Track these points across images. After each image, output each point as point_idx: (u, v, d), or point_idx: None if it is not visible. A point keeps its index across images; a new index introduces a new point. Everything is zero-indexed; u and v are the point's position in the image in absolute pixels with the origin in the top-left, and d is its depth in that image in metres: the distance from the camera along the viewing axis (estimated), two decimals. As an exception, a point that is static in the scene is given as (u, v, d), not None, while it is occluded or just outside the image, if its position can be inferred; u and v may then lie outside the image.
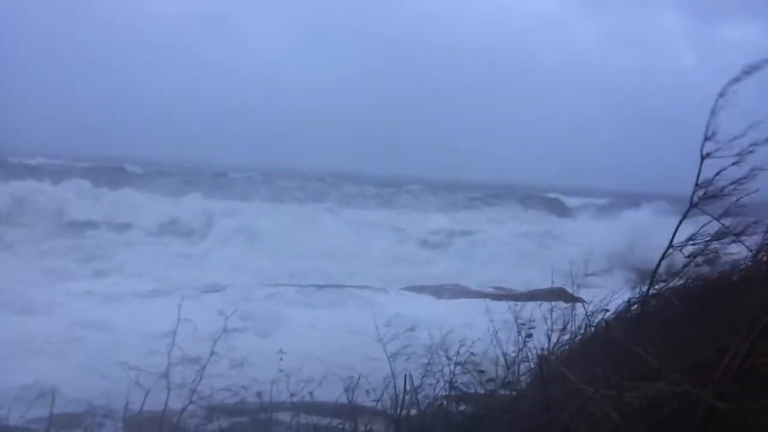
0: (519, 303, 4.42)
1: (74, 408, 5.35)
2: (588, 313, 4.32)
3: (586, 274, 4.17)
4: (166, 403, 3.97)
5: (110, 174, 29.15)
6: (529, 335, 3.90)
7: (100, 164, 32.52)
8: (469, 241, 22.05)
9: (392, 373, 3.78)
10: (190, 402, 3.90)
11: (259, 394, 4.21)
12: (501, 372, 3.79)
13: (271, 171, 37.34)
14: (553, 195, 40.36)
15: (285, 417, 4.17)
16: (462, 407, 3.68)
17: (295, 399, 4.17)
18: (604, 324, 3.98)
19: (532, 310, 4.18)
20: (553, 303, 4.58)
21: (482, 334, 4.05)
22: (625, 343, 2.88)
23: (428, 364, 3.81)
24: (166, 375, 3.92)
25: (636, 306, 3.82)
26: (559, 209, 35.49)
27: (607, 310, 4.05)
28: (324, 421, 4.31)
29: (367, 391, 4.01)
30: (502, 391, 3.63)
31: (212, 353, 4.06)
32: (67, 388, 5.97)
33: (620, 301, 3.98)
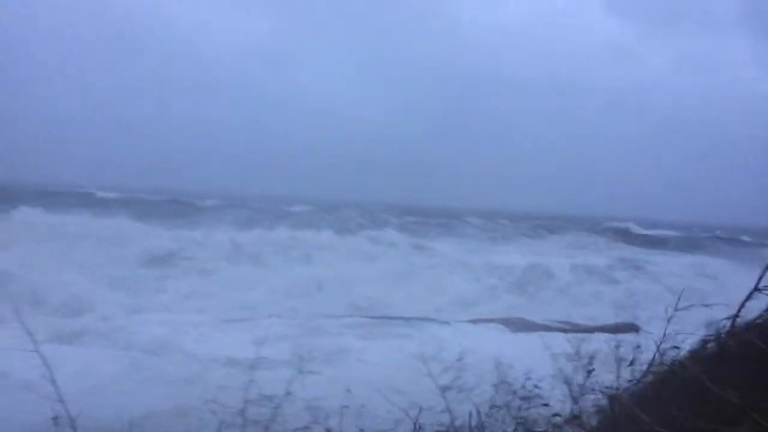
0: (585, 336, 4.28)
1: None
2: (660, 350, 4.15)
3: (676, 309, 3.99)
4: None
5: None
6: (593, 370, 3.78)
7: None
8: (540, 271, 21.46)
9: (448, 409, 3.73)
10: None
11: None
12: (567, 408, 3.68)
13: (333, 202, 38.22)
14: (621, 224, 39.22)
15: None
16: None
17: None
18: (678, 362, 3.82)
19: (599, 344, 4.05)
20: (621, 337, 4.42)
21: (547, 368, 3.95)
22: (703, 383, 2.76)
23: (493, 398, 3.74)
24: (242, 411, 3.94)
25: (712, 344, 3.65)
26: (631, 239, 34.34)
27: (678, 348, 3.89)
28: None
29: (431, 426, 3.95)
30: (568, 428, 3.52)
31: (288, 393, 4.06)
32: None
33: (693, 339, 3.82)
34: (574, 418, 3.50)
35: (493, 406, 3.70)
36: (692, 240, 33.48)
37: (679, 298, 3.88)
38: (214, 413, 3.87)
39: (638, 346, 4.22)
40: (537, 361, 4.34)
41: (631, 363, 4.16)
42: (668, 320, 3.87)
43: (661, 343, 4.18)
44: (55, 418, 3.36)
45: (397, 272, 19.83)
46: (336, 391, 4.71)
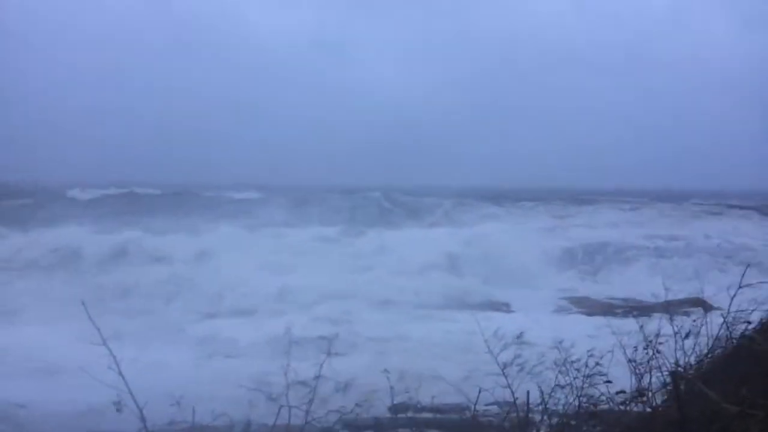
0: (651, 314, 4.21)
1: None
2: (728, 324, 4.05)
3: (740, 286, 3.87)
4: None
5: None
6: (660, 346, 3.72)
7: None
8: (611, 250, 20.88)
9: (509, 386, 3.74)
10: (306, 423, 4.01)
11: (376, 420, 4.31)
12: (632, 385, 3.64)
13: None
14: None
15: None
16: (593, 424, 3.57)
17: (421, 416, 4.22)
18: (746, 337, 3.72)
19: (665, 320, 3.98)
20: (689, 312, 4.32)
21: (611, 346, 3.91)
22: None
23: (557, 377, 3.73)
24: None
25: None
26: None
27: (749, 322, 3.78)
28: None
29: (494, 406, 3.99)
30: (633, 406, 3.49)
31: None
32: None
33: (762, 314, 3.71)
34: (639, 395, 3.46)
35: (556, 385, 3.69)
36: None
37: (744, 272, 3.77)
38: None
39: (707, 322, 4.13)
40: (600, 339, 4.30)
41: (697, 338, 4.07)
42: (734, 295, 3.77)
43: (730, 317, 4.07)
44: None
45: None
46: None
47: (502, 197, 37.97)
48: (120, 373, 3.56)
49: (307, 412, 3.97)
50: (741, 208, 33.77)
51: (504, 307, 14.61)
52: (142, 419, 3.63)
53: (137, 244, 18.79)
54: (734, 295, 3.71)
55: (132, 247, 18.65)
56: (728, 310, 4.05)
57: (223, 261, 17.17)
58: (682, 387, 3.01)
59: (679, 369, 3.43)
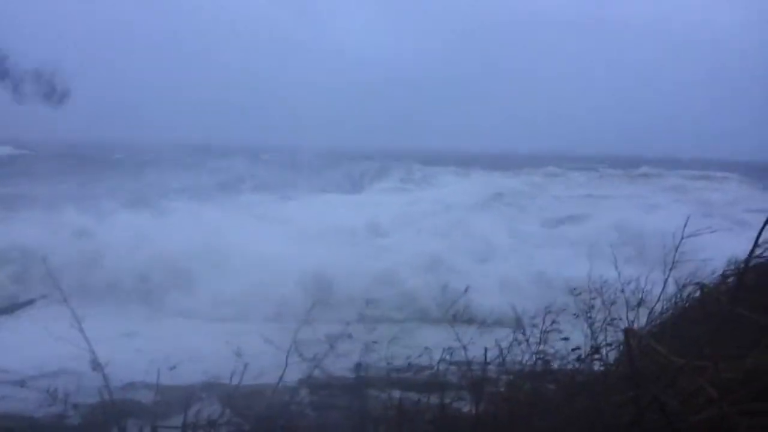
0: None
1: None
2: (679, 287, 4.16)
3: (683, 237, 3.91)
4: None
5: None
6: (613, 306, 3.80)
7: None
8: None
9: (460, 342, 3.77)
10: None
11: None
12: (587, 346, 3.72)
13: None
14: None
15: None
16: (548, 380, 3.64)
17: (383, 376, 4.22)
18: (697, 297, 3.83)
19: (620, 283, 4.05)
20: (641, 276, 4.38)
21: (566, 305, 3.97)
22: (724, 312, 2.77)
23: (514, 333, 3.78)
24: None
25: (732, 278, 3.65)
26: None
27: (699, 283, 3.88)
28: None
29: (450, 364, 4.01)
30: (588, 363, 3.57)
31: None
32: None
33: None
34: (594, 352, 3.54)
35: (514, 340, 3.74)
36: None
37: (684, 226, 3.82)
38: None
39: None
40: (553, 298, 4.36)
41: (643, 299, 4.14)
42: (677, 246, 3.82)
43: (682, 280, 4.17)
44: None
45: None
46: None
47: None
48: (81, 331, 3.49)
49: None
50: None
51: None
52: (105, 378, 3.59)
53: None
54: (677, 247, 3.76)
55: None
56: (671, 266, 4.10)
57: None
58: (633, 344, 3.08)
59: (631, 327, 3.51)
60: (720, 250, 4.40)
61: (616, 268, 4.13)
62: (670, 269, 3.95)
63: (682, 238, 3.76)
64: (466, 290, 4.24)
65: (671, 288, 4.27)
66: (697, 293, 3.84)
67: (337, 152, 40.82)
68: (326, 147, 42.65)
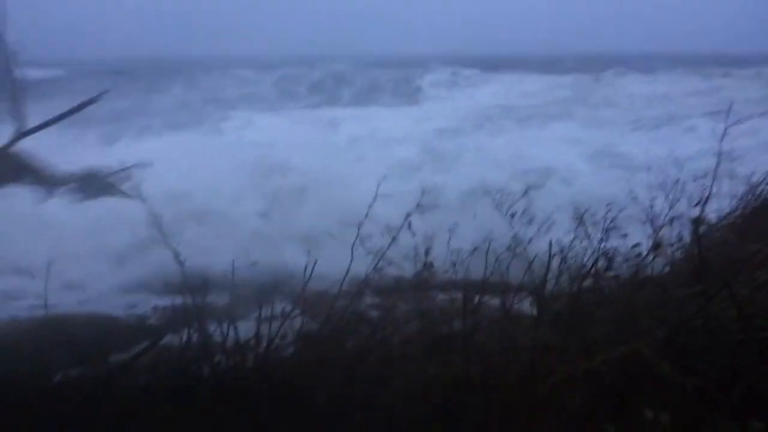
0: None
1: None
2: (753, 184, 4.01)
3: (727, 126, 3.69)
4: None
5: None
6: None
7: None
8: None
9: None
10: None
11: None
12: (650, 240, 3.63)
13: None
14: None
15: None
16: (610, 276, 3.60)
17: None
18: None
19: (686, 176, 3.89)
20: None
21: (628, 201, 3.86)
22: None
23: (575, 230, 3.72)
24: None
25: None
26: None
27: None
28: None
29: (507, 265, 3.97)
30: (649, 258, 3.51)
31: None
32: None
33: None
34: (656, 248, 3.47)
35: (575, 237, 3.69)
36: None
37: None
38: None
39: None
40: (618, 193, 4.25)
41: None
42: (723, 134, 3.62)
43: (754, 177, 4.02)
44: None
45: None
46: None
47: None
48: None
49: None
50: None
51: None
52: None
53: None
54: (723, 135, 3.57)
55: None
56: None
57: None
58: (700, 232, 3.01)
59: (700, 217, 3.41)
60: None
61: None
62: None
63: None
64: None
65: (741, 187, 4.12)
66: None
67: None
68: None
